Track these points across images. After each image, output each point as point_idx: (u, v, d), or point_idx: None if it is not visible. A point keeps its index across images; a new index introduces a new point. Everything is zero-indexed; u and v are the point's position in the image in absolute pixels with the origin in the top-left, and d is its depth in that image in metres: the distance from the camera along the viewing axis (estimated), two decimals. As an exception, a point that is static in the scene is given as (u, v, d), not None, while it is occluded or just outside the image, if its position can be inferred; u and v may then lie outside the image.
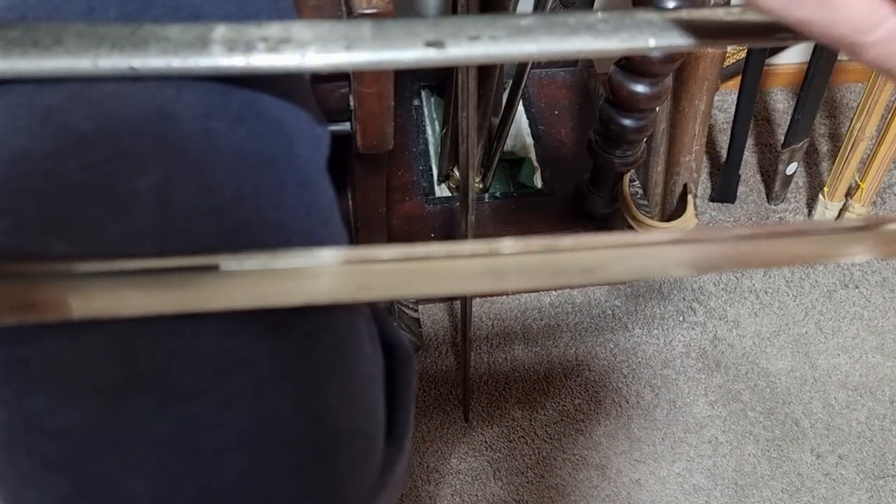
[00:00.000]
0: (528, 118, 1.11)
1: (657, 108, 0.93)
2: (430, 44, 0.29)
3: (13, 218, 0.27)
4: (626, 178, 1.01)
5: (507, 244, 0.24)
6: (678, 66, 0.94)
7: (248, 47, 0.28)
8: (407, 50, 0.28)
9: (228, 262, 0.25)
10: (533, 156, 1.08)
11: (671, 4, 0.76)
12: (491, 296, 1.07)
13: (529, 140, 1.09)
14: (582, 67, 1.18)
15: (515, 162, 1.08)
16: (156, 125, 0.29)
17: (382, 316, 0.38)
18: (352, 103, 0.70)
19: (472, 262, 0.25)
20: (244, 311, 0.26)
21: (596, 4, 1.17)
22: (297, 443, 0.29)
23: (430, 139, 1.07)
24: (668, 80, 0.89)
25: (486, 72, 0.87)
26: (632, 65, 0.85)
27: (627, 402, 1.02)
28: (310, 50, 0.28)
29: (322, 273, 0.25)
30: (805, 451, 1.00)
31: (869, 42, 0.22)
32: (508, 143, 1.09)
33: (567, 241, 0.25)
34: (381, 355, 0.36)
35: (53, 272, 0.25)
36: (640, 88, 0.87)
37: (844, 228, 0.25)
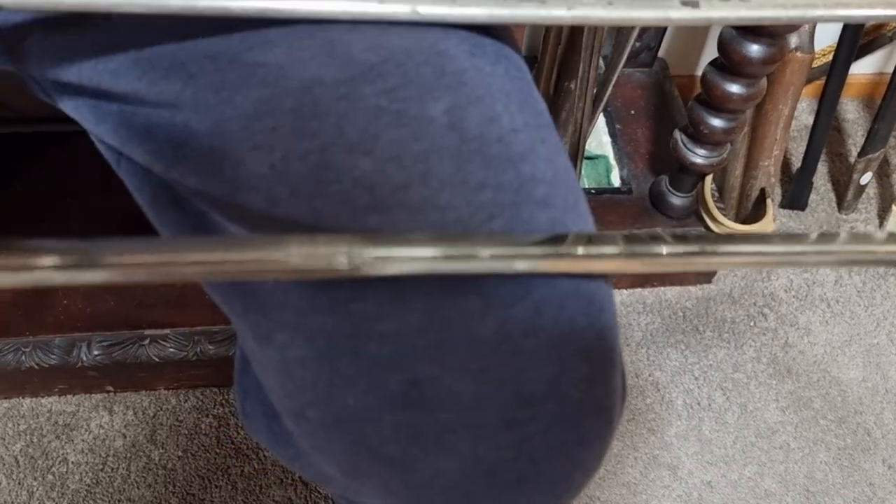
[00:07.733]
0: (604, 116, 1.11)
1: (747, 111, 0.93)
2: (685, 3, 0.29)
3: (317, 139, 0.28)
4: (708, 179, 1.01)
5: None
6: (768, 69, 0.93)
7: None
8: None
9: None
10: (610, 154, 1.08)
11: None
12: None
13: (606, 138, 1.09)
14: (657, 69, 1.18)
15: (592, 159, 1.08)
16: (434, 59, 0.30)
17: None
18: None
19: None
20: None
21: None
22: (591, 355, 0.30)
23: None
24: (764, 82, 0.88)
25: (567, 68, 0.86)
26: (729, 64, 0.85)
27: (699, 404, 1.01)
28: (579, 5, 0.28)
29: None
30: (877, 461, 1.00)
31: None
32: (585, 141, 1.08)
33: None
34: None
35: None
36: (735, 89, 0.87)
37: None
